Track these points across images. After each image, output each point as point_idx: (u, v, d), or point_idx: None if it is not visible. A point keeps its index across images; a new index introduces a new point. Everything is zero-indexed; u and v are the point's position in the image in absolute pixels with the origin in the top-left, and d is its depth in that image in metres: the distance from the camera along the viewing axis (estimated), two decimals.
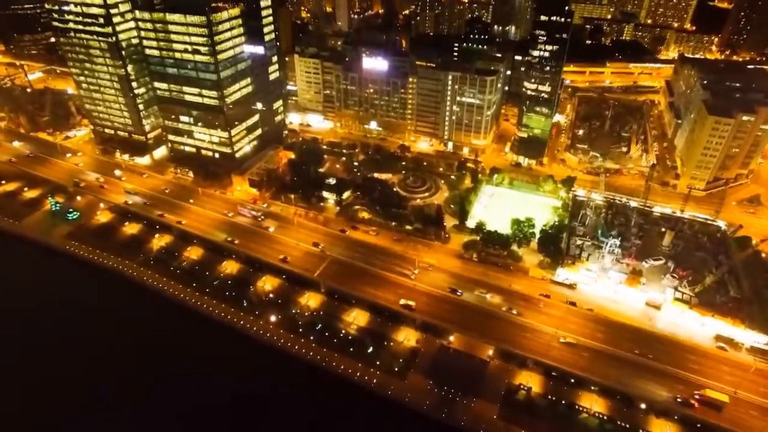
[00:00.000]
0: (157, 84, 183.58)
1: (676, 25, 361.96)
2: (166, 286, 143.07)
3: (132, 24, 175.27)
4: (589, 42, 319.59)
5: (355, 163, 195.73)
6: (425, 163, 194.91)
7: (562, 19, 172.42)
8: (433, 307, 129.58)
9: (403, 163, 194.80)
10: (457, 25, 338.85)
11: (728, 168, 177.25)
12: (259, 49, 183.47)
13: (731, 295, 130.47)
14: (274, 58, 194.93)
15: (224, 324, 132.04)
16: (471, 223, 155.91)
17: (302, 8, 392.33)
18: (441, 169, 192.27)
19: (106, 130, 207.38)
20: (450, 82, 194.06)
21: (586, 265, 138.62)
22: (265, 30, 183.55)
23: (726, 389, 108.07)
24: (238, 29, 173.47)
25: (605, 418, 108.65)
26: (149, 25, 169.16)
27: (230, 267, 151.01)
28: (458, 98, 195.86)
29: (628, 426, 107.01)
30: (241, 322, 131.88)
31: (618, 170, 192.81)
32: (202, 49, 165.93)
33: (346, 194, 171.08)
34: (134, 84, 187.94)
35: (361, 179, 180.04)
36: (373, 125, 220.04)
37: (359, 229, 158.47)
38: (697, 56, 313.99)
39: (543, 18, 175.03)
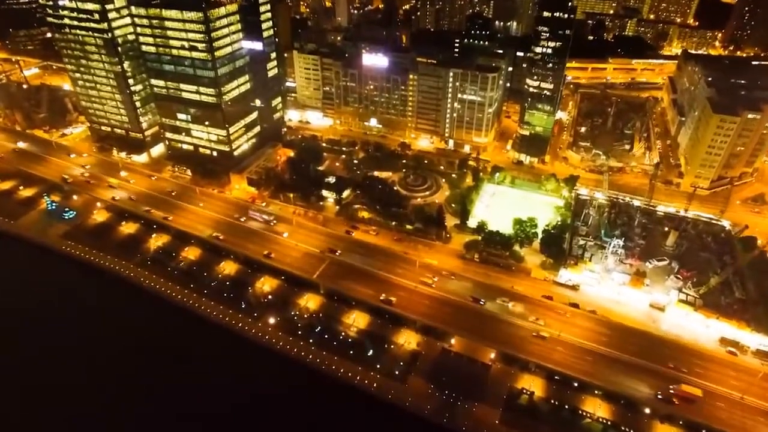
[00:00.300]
0: (153, 81, 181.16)
1: (679, 20, 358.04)
2: (164, 287, 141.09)
3: (128, 20, 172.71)
4: (591, 38, 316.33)
5: (355, 161, 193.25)
6: (426, 161, 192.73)
7: (566, 15, 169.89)
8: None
9: (404, 161, 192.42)
10: (458, 21, 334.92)
11: (733, 166, 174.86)
12: (258, 46, 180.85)
13: (736, 296, 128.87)
14: (273, 55, 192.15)
15: (223, 325, 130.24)
16: (472, 222, 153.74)
17: (301, 3, 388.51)
18: (442, 167, 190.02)
19: (103, 128, 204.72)
20: (451, 79, 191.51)
21: (589, 266, 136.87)
22: (264, 26, 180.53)
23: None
24: (235, 25, 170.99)
25: (609, 423, 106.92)
26: (145, 21, 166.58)
27: (228, 268, 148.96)
28: (459, 95, 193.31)
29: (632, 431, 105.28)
30: (240, 324, 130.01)
31: (621, 168, 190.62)
32: (200, 45, 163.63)
33: (345, 193, 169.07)
34: (131, 81, 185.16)
35: (360, 177, 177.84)
36: (373, 122, 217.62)
37: (359, 228, 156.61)
38: (700, 52, 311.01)
39: (546, 14, 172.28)
